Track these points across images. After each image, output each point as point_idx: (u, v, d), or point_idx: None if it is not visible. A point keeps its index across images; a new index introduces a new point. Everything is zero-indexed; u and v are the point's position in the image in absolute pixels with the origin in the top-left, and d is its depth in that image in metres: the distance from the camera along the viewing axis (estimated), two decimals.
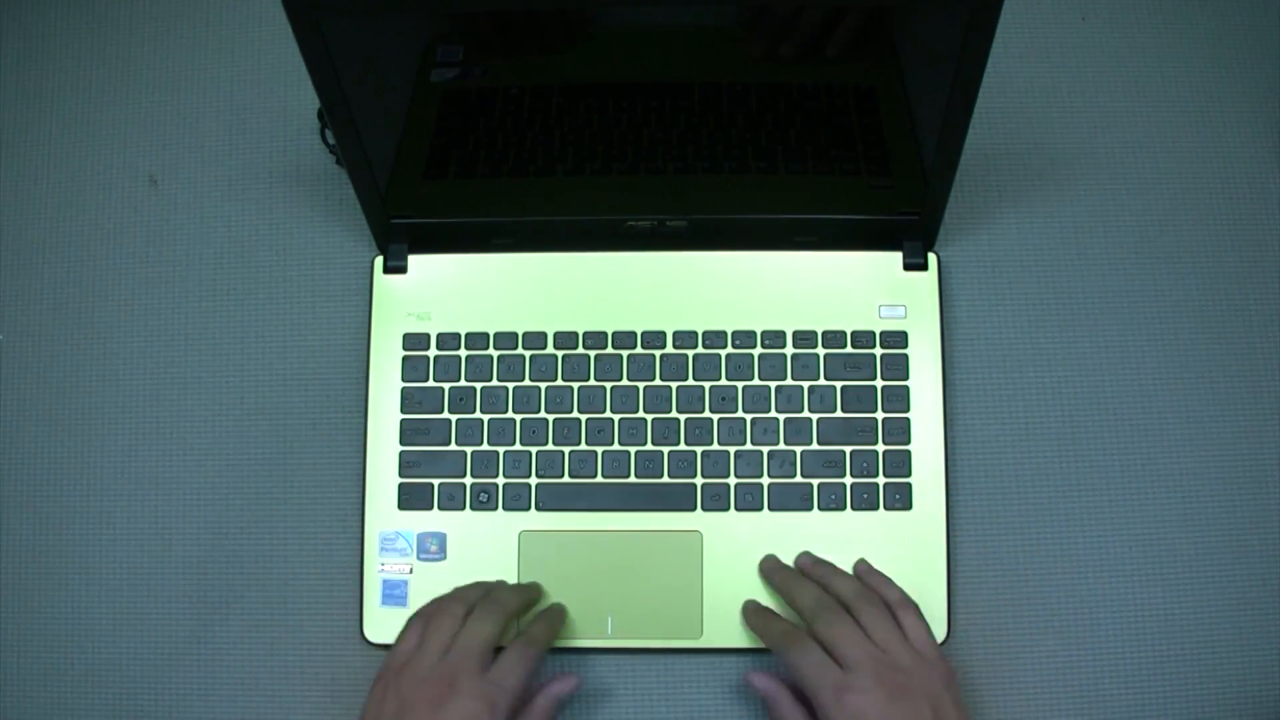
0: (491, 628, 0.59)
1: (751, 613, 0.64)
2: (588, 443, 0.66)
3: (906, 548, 0.65)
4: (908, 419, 0.66)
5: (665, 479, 0.66)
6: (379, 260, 0.69)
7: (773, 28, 0.56)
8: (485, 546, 0.66)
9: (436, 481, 0.66)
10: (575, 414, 0.67)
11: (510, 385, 0.67)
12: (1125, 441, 0.68)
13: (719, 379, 0.67)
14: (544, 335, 0.68)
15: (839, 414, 0.66)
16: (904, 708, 0.56)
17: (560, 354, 0.68)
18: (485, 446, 0.67)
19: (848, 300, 0.68)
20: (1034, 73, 0.73)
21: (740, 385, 0.67)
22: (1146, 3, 0.74)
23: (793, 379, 0.67)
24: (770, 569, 0.64)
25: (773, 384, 0.67)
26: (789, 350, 0.67)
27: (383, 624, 0.65)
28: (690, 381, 0.67)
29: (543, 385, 0.67)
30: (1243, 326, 0.69)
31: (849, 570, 0.64)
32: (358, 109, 0.58)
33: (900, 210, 0.66)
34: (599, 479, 0.66)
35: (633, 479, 0.66)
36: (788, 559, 0.65)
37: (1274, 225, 0.71)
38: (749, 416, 0.66)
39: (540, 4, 0.54)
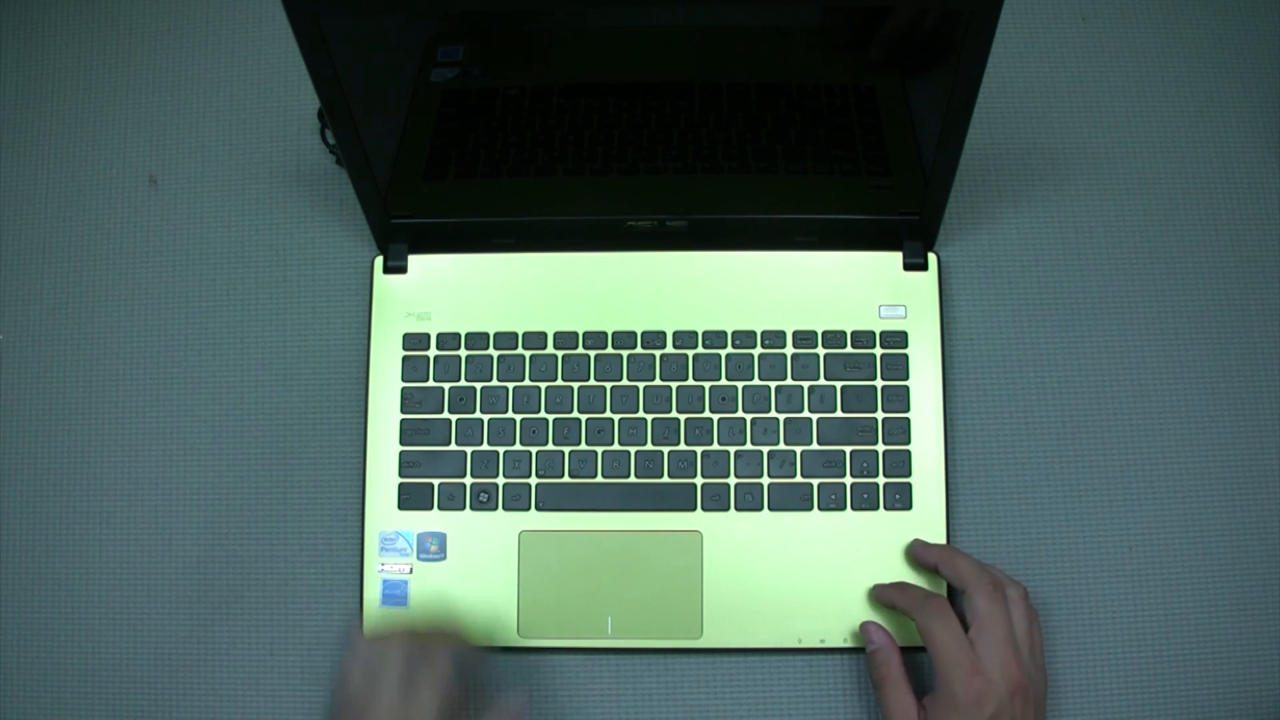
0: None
1: (881, 587, 0.64)
2: (588, 443, 0.66)
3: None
4: (908, 419, 0.66)
5: (665, 479, 0.66)
6: (379, 260, 0.69)
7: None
8: (485, 546, 0.66)
9: (436, 481, 0.66)
10: (575, 414, 0.67)
11: (510, 385, 0.67)
12: (1125, 441, 0.68)
13: (719, 379, 0.67)
14: (544, 335, 0.68)
15: (839, 414, 0.66)
16: (1015, 708, 0.58)
17: (560, 354, 0.68)
18: (485, 446, 0.67)
19: (848, 300, 0.68)
20: (1034, 73, 0.73)
21: (740, 385, 0.67)
22: (1146, 3, 0.74)
23: (793, 379, 0.67)
24: (922, 545, 0.64)
25: (773, 384, 0.67)
26: (789, 350, 0.67)
27: (383, 624, 0.65)
28: (690, 381, 0.67)
29: (543, 385, 0.67)
30: (1243, 326, 0.69)
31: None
32: (358, 109, 0.58)
33: (900, 210, 0.66)
34: (599, 479, 0.66)
35: (633, 479, 0.66)
36: (788, 559, 0.65)
37: (1274, 225, 0.71)
38: (749, 416, 0.67)
39: (537, 4, 0.54)
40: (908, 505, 0.66)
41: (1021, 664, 0.59)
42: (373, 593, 0.66)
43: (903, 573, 0.65)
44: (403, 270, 0.69)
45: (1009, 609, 0.60)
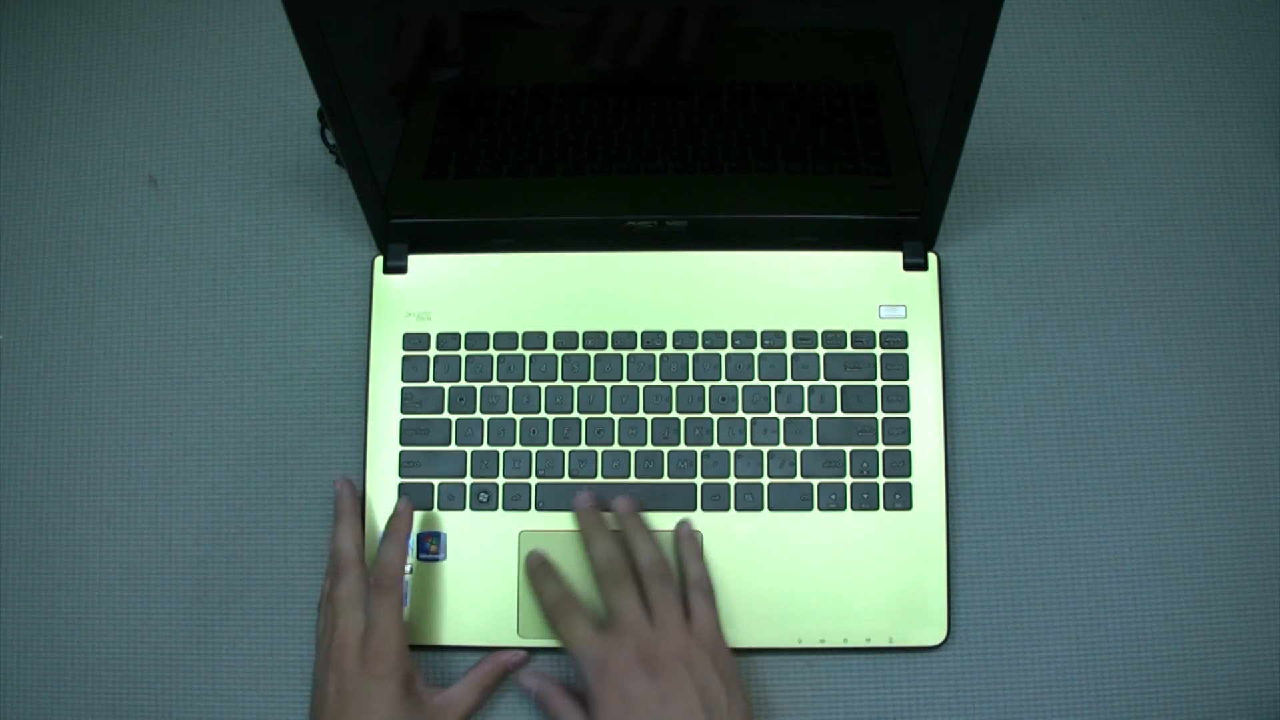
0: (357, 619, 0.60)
1: (533, 569, 0.64)
2: (588, 443, 0.66)
3: (906, 548, 0.65)
4: (908, 419, 0.66)
5: (665, 479, 0.66)
6: (379, 260, 0.69)
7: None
8: (485, 546, 0.66)
9: (436, 481, 0.66)
10: (575, 414, 0.67)
11: (510, 385, 0.67)
12: (1125, 441, 0.68)
13: (719, 379, 0.67)
14: (544, 335, 0.68)
15: (839, 414, 0.66)
16: (665, 686, 0.57)
17: (560, 354, 0.68)
18: (485, 446, 0.67)
19: (848, 300, 0.68)
20: (1034, 73, 0.73)
21: (740, 385, 0.67)
22: (1147, 2, 0.74)
23: (793, 379, 0.67)
24: (579, 509, 0.65)
25: (773, 384, 0.67)
26: (789, 350, 0.67)
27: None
28: (690, 381, 0.67)
29: (543, 385, 0.67)
30: (1243, 326, 0.69)
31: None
32: (358, 109, 0.58)
33: (900, 210, 0.66)
34: (599, 479, 0.66)
35: (633, 479, 0.66)
36: (788, 559, 0.65)
37: (1274, 225, 0.71)
38: (749, 416, 0.66)
39: (536, 5, 0.54)
40: (908, 505, 0.66)
41: (661, 642, 0.58)
42: None
43: (903, 574, 0.65)
44: (403, 270, 0.69)
45: (642, 590, 0.61)
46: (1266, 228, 0.71)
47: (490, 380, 0.67)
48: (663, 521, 0.66)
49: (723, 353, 0.67)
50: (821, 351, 0.67)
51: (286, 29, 0.53)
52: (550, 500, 0.66)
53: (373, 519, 0.66)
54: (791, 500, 0.66)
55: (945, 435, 0.66)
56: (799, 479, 0.66)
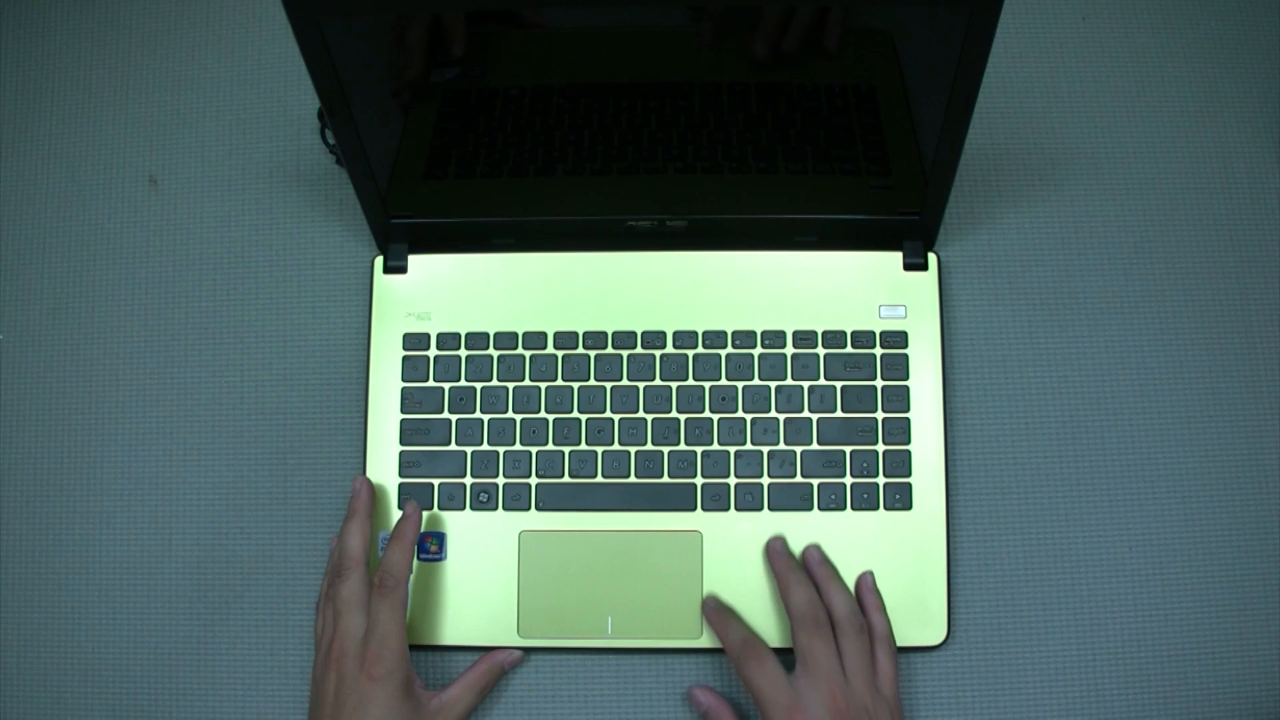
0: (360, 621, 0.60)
1: (712, 610, 0.64)
2: (588, 443, 0.66)
3: (906, 548, 0.65)
4: (908, 419, 0.66)
5: (665, 479, 0.66)
6: (379, 260, 0.69)
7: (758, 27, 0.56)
8: (485, 546, 0.66)
9: (436, 481, 0.66)
10: (575, 414, 0.67)
11: (510, 385, 0.67)
12: (1125, 441, 0.68)
13: (719, 379, 0.67)
14: (544, 335, 0.68)
15: (839, 414, 0.66)
16: None
17: (560, 354, 0.68)
18: (485, 446, 0.67)
19: (848, 300, 0.68)
20: (1034, 73, 0.73)
21: (740, 385, 0.67)
22: (1146, 3, 0.74)
23: (793, 379, 0.67)
24: (775, 553, 0.64)
25: (773, 384, 0.67)
26: (789, 350, 0.67)
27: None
28: (690, 381, 0.67)
29: (543, 385, 0.67)
30: (1243, 326, 0.69)
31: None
32: (358, 109, 0.58)
33: (900, 210, 0.66)
34: (599, 479, 0.66)
35: (633, 479, 0.66)
36: None
37: (1274, 225, 0.71)
38: (749, 416, 0.67)
39: (538, 4, 0.54)
40: (908, 505, 0.66)
41: (850, 695, 0.59)
42: None
43: (903, 574, 0.65)
44: (403, 270, 0.69)
45: (836, 641, 0.60)
46: (1266, 228, 0.71)
47: (490, 380, 0.67)
48: (663, 522, 0.66)
49: (723, 353, 0.67)
50: (821, 351, 0.67)
51: (286, 29, 0.53)
52: (550, 500, 0.66)
53: (373, 518, 0.66)
54: (791, 500, 0.66)
55: (945, 435, 0.66)
56: (799, 479, 0.66)
